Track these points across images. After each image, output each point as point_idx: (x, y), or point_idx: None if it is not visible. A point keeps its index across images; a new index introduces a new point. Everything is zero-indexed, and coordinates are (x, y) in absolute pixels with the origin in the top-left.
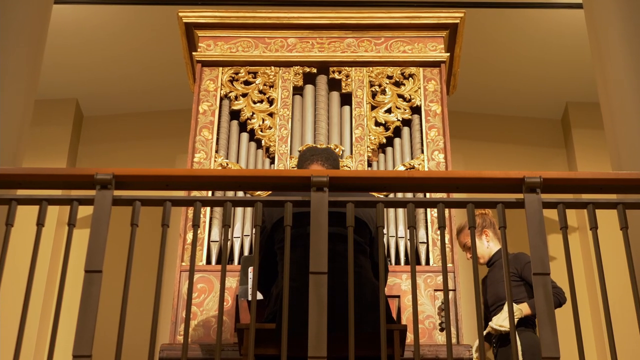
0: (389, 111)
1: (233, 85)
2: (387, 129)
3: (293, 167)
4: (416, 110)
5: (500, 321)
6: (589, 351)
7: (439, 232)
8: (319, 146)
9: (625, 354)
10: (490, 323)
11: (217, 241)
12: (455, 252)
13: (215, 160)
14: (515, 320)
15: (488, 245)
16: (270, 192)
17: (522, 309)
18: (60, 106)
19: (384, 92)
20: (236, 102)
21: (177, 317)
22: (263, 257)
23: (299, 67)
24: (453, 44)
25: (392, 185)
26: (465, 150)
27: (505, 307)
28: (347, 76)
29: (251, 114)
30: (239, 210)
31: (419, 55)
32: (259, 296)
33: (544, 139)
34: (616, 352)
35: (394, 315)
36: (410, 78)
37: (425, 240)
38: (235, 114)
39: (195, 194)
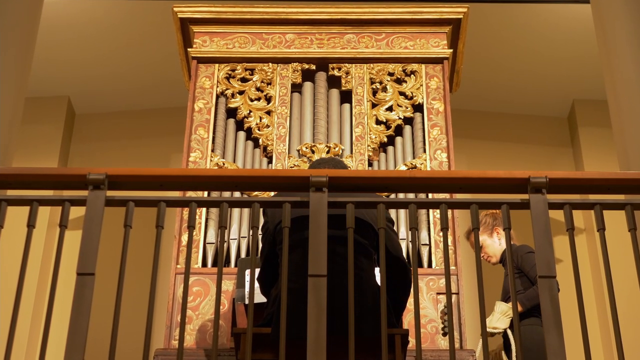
0: (390, 109)
1: (229, 82)
2: (388, 127)
3: (291, 167)
4: (418, 108)
5: (493, 323)
6: (596, 355)
7: (441, 233)
8: (318, 152)
9: (634, 358)
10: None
11: (213, 243)
12: (459, 254)
13: (211, 160)
14: (508, 320)
15: (500, 243)
16: (268, 192)
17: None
18: (51, 104)
19: (385, 89)
20: (233, 99)
21: (172, 321)
22: (265, 259)
23: (297, 63)
24: (456, 39)
25: (393, 185)
26: (469, 149)
27: (496, 308)
28: (347, 73)
29: (248, 112)
30: (236, 211)
31: (421, 52)
32: (258, 299)
33: (550, 138)
34: (624, 356)
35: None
36: (412, 75)
37: (428, 242)
38: (231, 112)
39: (191, 194)
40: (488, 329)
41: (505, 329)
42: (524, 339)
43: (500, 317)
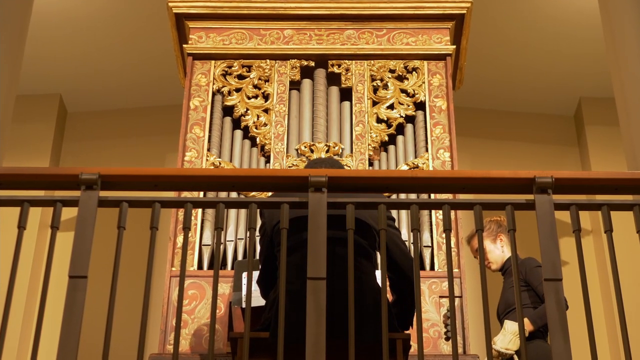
0: (391, 107)
1: (226, 79)
2: (389, 126)
3: (290, 167)
4: (420, 106)
5: (505, 344)
6: None
7: (444, 235)
8: (317, 151)
9: None
10: (494, 345)
11: (209, 245)
12: (462, 257)
13: (207, 159)
14: (519, 340)
15: (503, 250)
16: (266, 193)
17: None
18: (43, 102)
19: (386, 86)
20: (229, 97)
21: (167, 326)
22: (264, 262)
23: (296, 60)
24: (459, 35)
25: (394, 185)
26: (472, 148)
27: (508, 327)
28: (347, 70)
29: (245, 110)
30: (232, 212)
31: (423, 48)
32: (256, 303)
33: (556, 137)
34: None
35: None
36: (414, 72)
37: (430, 244)
38: (228, 110)
39: (186, 194)
40: (500, 349)
41: (516, 352)
42: (533, 356)
43: (513, 338)
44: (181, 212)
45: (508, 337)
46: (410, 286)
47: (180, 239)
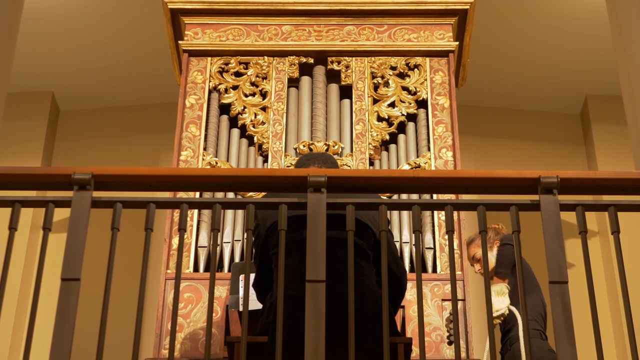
0: (392, 105)
1: (223, 76)
2: (390, 124)
3: (288, 166)
4: (422, 104)
5: (496, 306)
6: None
7: (446, 236)
8: (316, 150)
9: None
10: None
11: (206, 247)
12: (465, 259)
13: (203, 159)
14: (506, 298)
15: None
16: (264, 193)
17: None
18: (34, 100)
19: (387, 84)
20: (226, 95)
21: (162, 329)
22: (259, 265)
23: (294, 57)
24: (462, 31)
25: (396, 185)
26: (476, 147)
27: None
28: (347, 67)
29: (242, 108)
30: (229, 213)
31: (425, 44)
32: (253, 306)
33: (562, 135)
34: None
35: (398, 327)
36: (416, 69)
37: (432, 246)
38: (225, 108)
39: (182, 195)
40: (495, 315)
41: (508, 309)
42: (519, 356)
43: (498, 298)
44: (177, 213)
45: (493, 299)
46: (399, 290)
47: (175, 241)
